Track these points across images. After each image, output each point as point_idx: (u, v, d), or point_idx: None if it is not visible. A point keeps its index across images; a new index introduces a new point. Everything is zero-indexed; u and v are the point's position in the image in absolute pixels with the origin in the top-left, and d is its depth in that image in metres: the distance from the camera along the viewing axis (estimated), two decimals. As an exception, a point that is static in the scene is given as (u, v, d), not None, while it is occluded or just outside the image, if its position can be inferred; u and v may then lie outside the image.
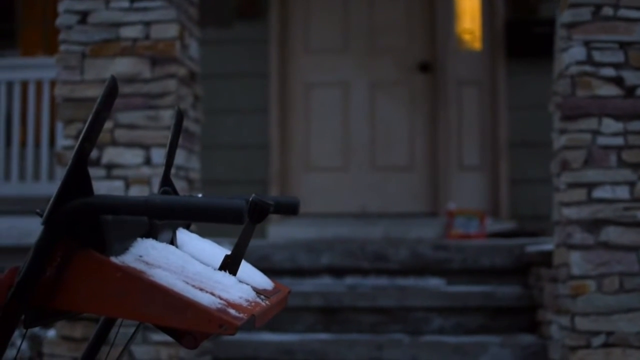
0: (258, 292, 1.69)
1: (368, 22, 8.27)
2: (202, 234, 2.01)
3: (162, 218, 1.48)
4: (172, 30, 5.05)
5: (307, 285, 5.92)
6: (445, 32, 8.06)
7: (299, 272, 6.00)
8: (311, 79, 8.18)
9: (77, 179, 1.50)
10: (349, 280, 5.95)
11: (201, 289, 1.49)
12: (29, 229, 6.41)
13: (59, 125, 6.45)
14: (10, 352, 4.94)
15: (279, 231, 7.57)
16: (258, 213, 1.59)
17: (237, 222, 1.42)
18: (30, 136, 7.41)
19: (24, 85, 7.59)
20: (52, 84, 5.96)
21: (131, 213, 1.51)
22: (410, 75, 8.15)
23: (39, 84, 7.50)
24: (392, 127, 8.12)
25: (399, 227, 7.59)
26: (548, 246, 5.29)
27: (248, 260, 1.78)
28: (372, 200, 8.08)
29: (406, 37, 8.23)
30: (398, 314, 5.68)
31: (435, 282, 5.89)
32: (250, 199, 1.59)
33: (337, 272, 5.98)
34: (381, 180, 8.09)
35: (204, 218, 1.46)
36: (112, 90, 1.50)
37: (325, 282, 5.96)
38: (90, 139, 1.50)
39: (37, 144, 7.46)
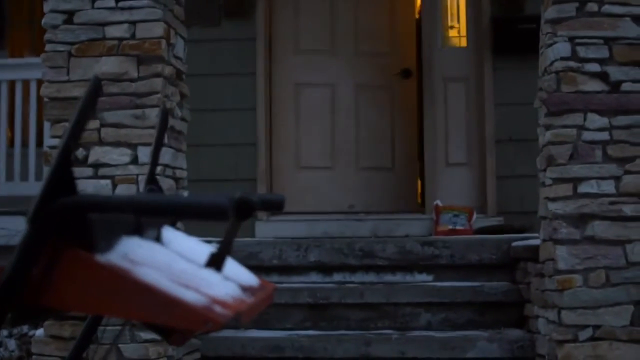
0: (244, 289, 1.70)
1: (354, 26, 8.35)
2: (191, 233, 2.02)
3: (147, 216, 1.50)
4: (158, 30, 5.05)
5: (296, 282, 5.93)
6: (431, 29, 8.08)
7: (287, 269, 6.00)
8: (300, 79, 8.20)
9: (62, 178, 1.50)
10: (337, 277, 5.97)
11: (187, 287, 1.50)
12: (17, 229, 6.40)
13: (47, 125, 6.45)
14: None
15: (267, 229, 7.58)
16: (243, 210, 1.60)
17: (222, 219, 1.44)
18: (18, 136, 7.41)
19: (12, 85, 7.58)
20: (40, 83, 5.96)
21: (117, 211, 1.52)
22: (393, 81, 8.30)
23: (26, 84, 7.49)
24: (376, 128, 8.18)
25: (386, 224, 7.61)
26: (535, 241, 5.31)
27: (236, 258, 1.79)
28: (359, 199, 8.12)
29: (389, 43, 8.39)
30: (386, 309, 5.69)
31: (423, 278, 5.91)
32: (235, 197, 1.60)
33: (326, 269, 5.98)
34: (368, 179, 8.14)
35: (189, 215, 1.47)
36: (95, 90, 1.51)
37: (314, 279, 5.97)
38: (74, 139, 1.51)
39: (25, 144, 7.46)
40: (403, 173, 8.32)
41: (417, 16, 8.59)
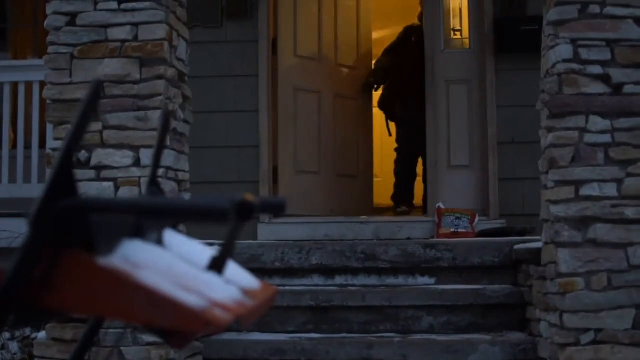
0: (245, 292, 1.70)
1: (334, 38, 8.74)
2: (193, 235, 2.03)
3: (149, 218, 1.50)
4: (161, 32, 5.06)
5: (298, 285, 5.94)
6: (433, 31, 8.08)
7: (289, 272, 6.01)
8: (297, 83, 8.25)
9: (63, 181, 1.51)
10: (340, 279, 5.97)
11: (188, 290, 1.50)
12: (20, 231, 6.40)
13: (50, 127, 6.46)
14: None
15: (269, 231, 7.58)
16: (244, 212, 1.60)
17: (222, 222, 1.44)
18: (20, 138, 7.40)
19: (14, 86, 7.58)
20: (42, 85, 5.97)
21: (118, 213, 1.52)
22: (361, 93, 9.00)
23: (28, 86, 7.49)
24: (347, 137, 8.71)
25: (389, 227, 7.61)
26: (537, 244, 5.31)
27: (238, 260, 1.79)
28: (337, 203, 8.50)
29: (357, 57, 9.03)
30: (388, 312, 5.69)
31: (425, 281, 5.91)
32: (235, 199, 1.60)
33: (328, 271, 5.99)
34: (343, 184, 8.42)
35: (190, 218, 1.48)
36: (96, 92, 1.52)
37: (316, 282, 5.97)
38: (75, 141, 1.51)
39: (28, 146, 7.45)
40: (364, 180, 8.91)
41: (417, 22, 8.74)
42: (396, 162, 9.14)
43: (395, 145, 9.14)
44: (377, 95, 9.33)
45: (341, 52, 8.75)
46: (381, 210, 9.35)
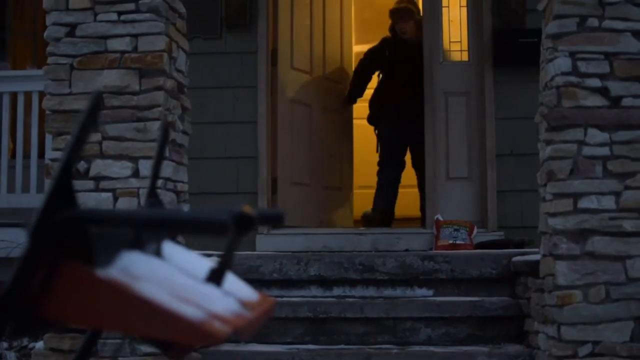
0: (243, 304, 1.70)
1: (322, 52, 8.83)
2: (192, 246, 2.03)
3: (147, 230, 1.50)
4: (160, 43, 5.07)
5: (296, 296, 5.93)
6: (432, 43, 8.09)
7: (287, 283, 6.01)
8: (294, 95, 8.27)
9: (62, 191, 1.51)
10: (338, 291, 5.97)
11: (186, 301, 1.50)
12: (18, 241, 6.40)
13: (48, 137, 6.47)
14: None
15: (267, 242, 7.58)
16: (242, 225, 1.60)
17: (221, 234, 1.44)
18: (19, 148, 7.41)
19: (14, 96, 7.59)
20: (42, 95, 5.98)
21: (117, 225, 1.53)
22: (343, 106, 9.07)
23: (28, 96, 7.50)
24: (330, 149, 8.73)
25: (387, 238, 7.61)
26: (535, 256, 5.31)
27: (236, 271, 1.79)
28: (326, 215, 8.56)
29: (341, 72, 9.13)
30: (386, 324, 5.69)
31: (423, 293, 5.91)
32: (234, 211, 1.60)
33: (326, 283, 5.99)
34: (329, 196, 8.44)
35: (188, 230, 1.49)
36: (96, 104, 1.52)
37: (314, 293, 5.97)
38: (75, 153, 1.52)
39: (27, 156, 7.46)
40: (347, 192, 8.94)
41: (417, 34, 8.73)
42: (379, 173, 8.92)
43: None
44: (360, 109, 9.31)
45: (328, 66, 8.85)
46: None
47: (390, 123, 8.72)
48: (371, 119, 9.00)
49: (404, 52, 8.65)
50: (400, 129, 8.59)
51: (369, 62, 9.00)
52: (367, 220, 8.67)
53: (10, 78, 7.69)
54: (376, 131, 8.97)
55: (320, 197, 8.43)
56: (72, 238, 1.51)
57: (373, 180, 8.90)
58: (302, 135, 8.33)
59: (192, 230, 1.48)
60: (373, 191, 8.86)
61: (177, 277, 1.62)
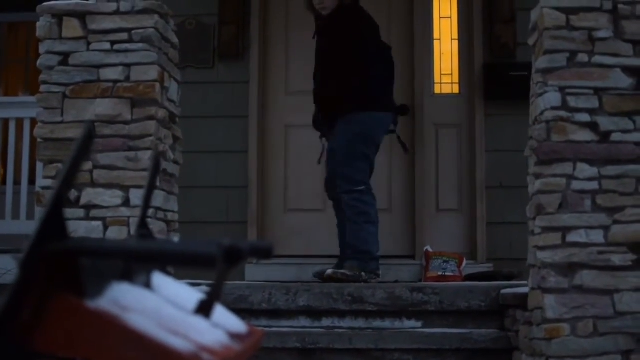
0: (232, 335, 1.71)
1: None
2: (182, 275, 2.04)
3: (137, 263, 1.51)
4: (152, 73, 5.10)
5: (285, 326, 5.92)
6: (424, 75, 8.13)
7: (276, 314, 6.00)
8: (290, 120, 8.23)
9: (54, 221, 1.52)
10: (326, 321, 5.96)
11: (175, 333, 1.51)
12: (8, 268, 6.38)
13: (39, 164, 6.48)
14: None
15: (257, 272, 7.57)
16: (232, 258, 1.61)
17: (210, 268, 1.46)
18: (10, 174, 7.41)
19: (5, 123, 7.59)
20: (33, 122, 6.00)
21: (107, 257, 1.54)
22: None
23: (19, 122, 7.51)
24: None
25: (376, 269, 7.59)
26: (524, 289, 5.32)
27: (225, 301, 1.81)
28: None
29: None
30: (375, 355, 5.68)
31: (412, 324, 5.90)
32: (223, 244, 1.61)
33: (315, 313, 5.98)
34: None
35: (178, 263, 1.50)
36: (88, 136, 1.54)
37: (303, 324, 5.96)
38: (67, 183, 1.53)
39: (17, 182, 7.46)
40: (400, 214, 8.19)
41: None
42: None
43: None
44: None
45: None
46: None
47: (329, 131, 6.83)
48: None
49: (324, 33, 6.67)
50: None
51: None
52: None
53: (2, 104, 7.70)
54: (322, 139, 7.07)
55: (313, 225, 8.33)
56: (63, 270, 1.52)
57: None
58: (306, 158, 8.17)
59: (182, 264, 1.50)
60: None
61: (166, 308, 1.63)
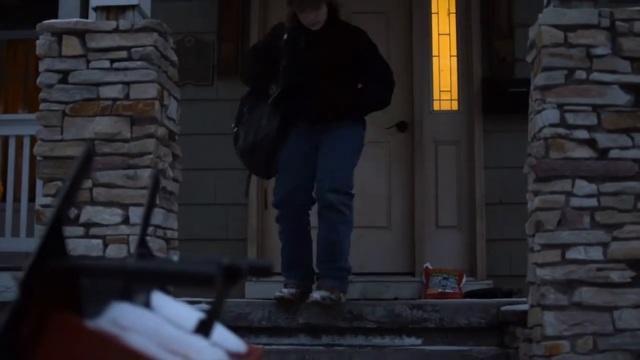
0: (231, 355, 1.72)
1: None
2: (182, 293, 2.04)
3: (137, 282, 1.52)
4: (152, 91, 5.10)
5: (285, 343, 5.91)
6: (423, 91, 8.14)
7: (276, 331, 5.99)
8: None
9: (54, 241, 1.53)
10: (326, 339, 5.95)
11: (175, 353, 1.51)
12: (7, 285, 6.38)
13: (39, 181, 6.48)
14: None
15: (257, 289, 7.55)
16: (231, 277, 1.62)
17: (209, 286, 1.46)
18: (10, 191, 7.41)
19: (5, 140, 7.60)
20: (33, 139, 6.01)
21: (107, 277, 1.55)
22: (388, 135, 8.18)
23: (19, 140, 7.51)
24: (370, 185, 8.14)
25: (376, 286, 7.60)
26: (523, 306, 5.31)
27: (225, 319, 1.81)
28: (352, 258, 8.09)
29: None
30: (375, 373, 5.67)
31: (412, 342, 5.90)
32: (222, 264, 1.61)
33: (315, 331, 5.97)
34: (359, 239, 8.10)
35: (177, 282, 1.50)
36: (87, 157, 1.54)
37: (303, 341, 5.95)
38: (67, 202, 1.54)
39: (17, 199, 7.46)
40: (400, 231, 8.12)
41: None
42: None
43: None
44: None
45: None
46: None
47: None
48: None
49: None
50: None
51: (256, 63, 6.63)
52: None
53: (2, 122, 7.71)
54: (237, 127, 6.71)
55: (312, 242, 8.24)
56: (62, 288, 1.52)
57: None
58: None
59: (181, 283, 1.50)
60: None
61: (165, 328, 1.63)
